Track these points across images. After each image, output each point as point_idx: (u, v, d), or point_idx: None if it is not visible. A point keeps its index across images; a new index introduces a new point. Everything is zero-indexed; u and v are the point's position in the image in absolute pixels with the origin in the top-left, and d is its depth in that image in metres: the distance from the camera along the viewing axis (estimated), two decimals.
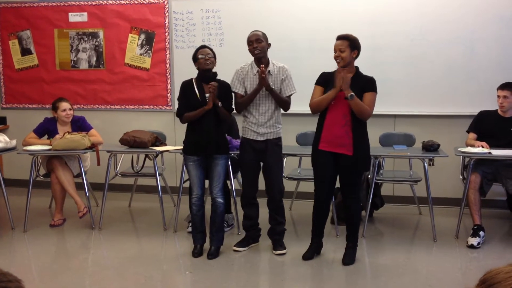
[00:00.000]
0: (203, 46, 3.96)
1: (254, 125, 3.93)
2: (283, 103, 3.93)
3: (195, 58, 3.91)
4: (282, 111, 4.01)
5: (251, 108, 3.95)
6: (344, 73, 3.55)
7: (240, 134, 4.10)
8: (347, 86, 3.53)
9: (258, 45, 3.84)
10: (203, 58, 3.85)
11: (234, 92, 3.98)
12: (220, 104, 3.83)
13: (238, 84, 3.98)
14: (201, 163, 3.95)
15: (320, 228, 3.93)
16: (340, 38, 3.65)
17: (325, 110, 3.68)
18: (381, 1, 5.13)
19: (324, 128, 3.69)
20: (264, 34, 3.91)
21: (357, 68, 3.71)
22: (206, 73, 3.87)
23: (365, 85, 3.63)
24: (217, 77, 3.93)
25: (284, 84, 3.92)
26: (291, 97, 3.97)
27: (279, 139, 4.00)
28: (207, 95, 3.85)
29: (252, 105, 3.94)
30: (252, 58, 3.94)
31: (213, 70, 3.91)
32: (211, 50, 3.92)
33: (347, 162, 3.65)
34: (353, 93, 3.53)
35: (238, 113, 4.05)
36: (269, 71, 3.89)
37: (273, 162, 3.96)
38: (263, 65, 3.80)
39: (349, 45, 3.60)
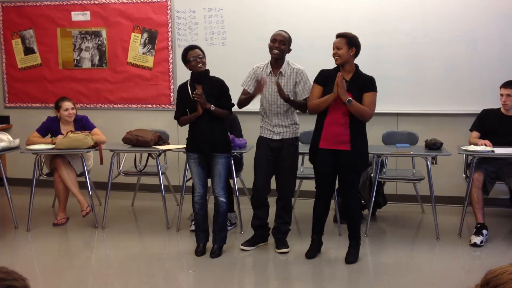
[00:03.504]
0: (193, 47, 3.88)
1: (269, 124, 3.94)
2: (300, 107, 3.91)
3: (186, 60, 3.85)
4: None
5: (267, 108, 3.94)
6: (340, 78, 3.54)
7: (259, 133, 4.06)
8: (343, 91, 3.52)
9: (279, 46, 3.82)
10: (195, 61, 3.81)
11: (243, 88, 3.99)
12: (212, 107, 3.77)
13: (250, 82, 4.00)
14: (200, 161, 3.95)
15: (320, 226, 3.94)
16: (338, 35, 3.67)
17: (325, 109, 3.68)
18: None
19: (324, 127, 3.70)
20: (290, 39, 3.89)
21: (356, 66, 3.70)
22: (199, 75, 3.85)
23: (364, 85, 3.63)
24: (211, 74, 3.91)
25: (299, 87, 3.89)
26: None
27: (296, 139, 3.99)
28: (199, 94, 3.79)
29: (267, 105, 3.93)
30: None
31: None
32: (201, 49, 3.87)
33: (346, 158, 3.65)
34: (350, 98, 3.52)
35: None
36: (280, 72, 3.88)
37: (287, 161, 3.94)
38: (263, 78, 3.81)
39: (346, 42, 3.61)
